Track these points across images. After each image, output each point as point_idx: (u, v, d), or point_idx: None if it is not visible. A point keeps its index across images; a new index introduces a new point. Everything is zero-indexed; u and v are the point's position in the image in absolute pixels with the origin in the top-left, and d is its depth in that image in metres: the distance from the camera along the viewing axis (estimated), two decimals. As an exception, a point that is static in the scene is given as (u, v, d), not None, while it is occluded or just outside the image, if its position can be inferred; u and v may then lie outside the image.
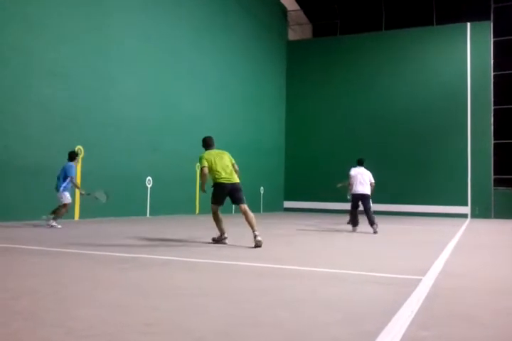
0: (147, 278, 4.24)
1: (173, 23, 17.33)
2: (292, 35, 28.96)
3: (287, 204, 26.78)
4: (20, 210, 11.26)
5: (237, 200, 7.50)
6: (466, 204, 24.11)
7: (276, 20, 27.14)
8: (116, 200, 14.35)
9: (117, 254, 5.77)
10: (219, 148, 8.34)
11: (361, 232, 11.08)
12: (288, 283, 4.10)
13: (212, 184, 7.64)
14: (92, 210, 13.15)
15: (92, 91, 13.64)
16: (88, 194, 10.21)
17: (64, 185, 9.95)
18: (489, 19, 24.87)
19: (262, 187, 23.81)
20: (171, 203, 16.84)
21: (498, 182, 24.24)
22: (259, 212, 23.12)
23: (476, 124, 24.25)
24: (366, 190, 11.31)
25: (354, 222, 11.42)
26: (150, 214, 15.71)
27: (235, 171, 7.69)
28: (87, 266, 4.81)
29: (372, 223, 10.84)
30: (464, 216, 23.87)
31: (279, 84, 26.95)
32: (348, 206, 12.64)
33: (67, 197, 9.98)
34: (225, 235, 7.51)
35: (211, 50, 19.73)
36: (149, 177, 15.75)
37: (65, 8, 12.77)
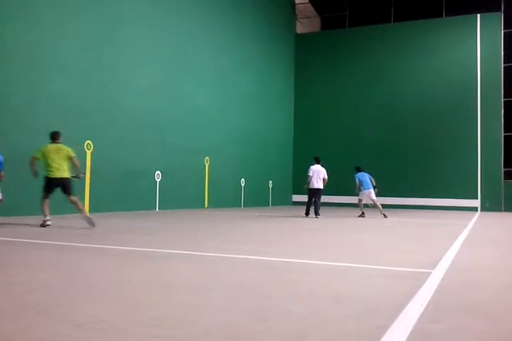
0: (156, 272, 4.25)
1: (182, 18, 17.29)
2: (300, 28, 28.81)
3: (296, 197, 26.75)
4: (30, 206, 11.32)
5: (65, 192, 8.71)
6: (476, 198, 23.98)
7: (285, 13, 27.00)
8: (125, 195, 14.42)
9: (127, 248, 5.79)
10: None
11: (369, 226, 11.06)
12: (298, 277, 4.09)
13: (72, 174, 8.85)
14: (101, 205, 13.22)
15: (101, 86, 13.65)
16: None
17: None
18: (499, 10, 24.60)
19: (270, 181, 23.79)
20: (180, 197, 16.88)
21: (508, 175, 24.06)
22: (268, 205, 23.13)
23: (486, 117, 24.06)
24: (321, 185, 13.67)
25: (308, 211, 13.77)
26: (159, 209, 15.75)
27: (75, 165, 8.76)
28: (97, 261, 4.83)
29: (317, 213, 13.44)
30: (474, 209, 23.74)
31: (287, 77, 26.87)
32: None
33: None
34: (47, 218, 8.45)
35: (219, 44, 19.68)
36: (158, 172, 15.79)
37: (74, 2, 12.76)
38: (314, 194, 13.62)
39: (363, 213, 14.57)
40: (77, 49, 12.86)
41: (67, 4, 12.59)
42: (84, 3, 13.09)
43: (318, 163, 13.88)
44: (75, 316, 2.68)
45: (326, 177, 13.82)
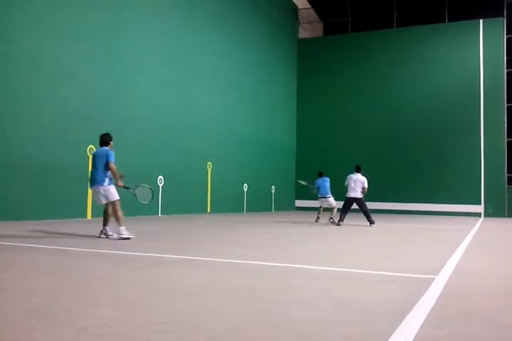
0: (160, 276, 4.25)
1: (185, 22, 17.36)
2: (303, 34, 28.88)
3: (299, 203, 26.73)
4: (33, 210, 11.35)
5: None
6: (480, 203, 23.91)
7: (287, 19, 27.09)
8: (127, 199, 14.41)
9: (130, 253, 5.79)
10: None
11: (373, 232, 11.04)
12: (301, 283, 4.09)
13: None
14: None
15: (104, 91, 13.70)
16: (127, 188, 7.93)
17: (107, 174, 7.79)
18: (502, 15, 24.63)
19: (273, 186, 23.78)
20: (182, 202, 16.89)
21: (511, 181, 23.99)
22: (271, 210, 23.12)
23: (489, 122, 24.03)
24: (358, 194, 13.09)
25: (341, 219, 13.16)
26: (162, 213, 15.76)
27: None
28: (100, 265, 4.83)
29: (370, 222, 12.90)
30: (477, 215, 23.67)
31: (289, 82, 26.91)
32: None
33: (115, 191, 7.86)
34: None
35: (222, 49, 19.73)
36: (161, 177, 15.80)
37: (77, 8, 12.84)
38: (348, 203, 13.20)
39: (318, 218, 14.52)
40: (80, 54, 12.91)
41: (71, 10, 12.65)
42: (87, 9, 13.16)
43: (358, 172, 13.29)
44: (78, 320, 2.68)
45: (366, 185, 13.12)
